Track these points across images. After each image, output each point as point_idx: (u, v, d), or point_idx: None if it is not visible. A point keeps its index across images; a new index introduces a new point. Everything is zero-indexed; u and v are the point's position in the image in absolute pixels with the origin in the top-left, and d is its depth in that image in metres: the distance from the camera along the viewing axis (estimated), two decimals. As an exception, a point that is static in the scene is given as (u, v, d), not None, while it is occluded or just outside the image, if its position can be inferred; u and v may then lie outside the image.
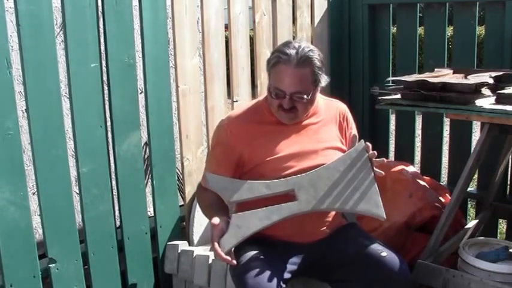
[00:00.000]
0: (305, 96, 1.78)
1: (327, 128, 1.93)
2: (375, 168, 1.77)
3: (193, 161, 2.46)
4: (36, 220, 2.32)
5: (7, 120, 1.84)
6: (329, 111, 1.97)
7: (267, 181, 1.77)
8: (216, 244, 1.65)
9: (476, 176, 2.76)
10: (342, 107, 2.02)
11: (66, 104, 2.09)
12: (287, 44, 1.81)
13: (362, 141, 1.78)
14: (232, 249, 1.71)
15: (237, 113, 1.95)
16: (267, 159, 1.83)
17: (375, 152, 1.77)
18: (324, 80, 1.82)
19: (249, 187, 1.77)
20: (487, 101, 2.03)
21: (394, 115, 3.25)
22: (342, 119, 1.98)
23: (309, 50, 1.77)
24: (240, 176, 1.89)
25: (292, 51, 1.75)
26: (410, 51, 2.94)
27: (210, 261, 2.21)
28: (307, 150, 1.85)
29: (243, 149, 1.85)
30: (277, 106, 1.82)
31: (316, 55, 1.78)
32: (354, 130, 2.00)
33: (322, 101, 1.97)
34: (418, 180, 2.58)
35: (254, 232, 1.70)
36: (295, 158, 1.83)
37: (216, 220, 1.68)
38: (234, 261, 1.69)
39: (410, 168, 2.67)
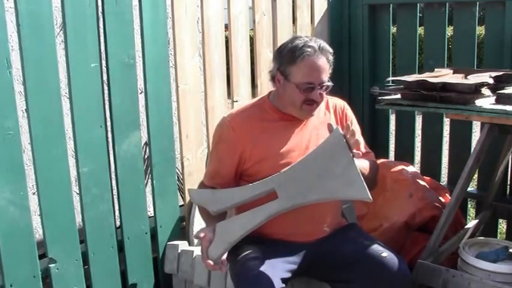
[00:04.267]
0: (329, 84, 1.82)
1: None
2: (354, 151, 1.70)
3: (193, 161, 2.46)
4: (36, 220, 2.32)
5: (7, 120, 1.84)
6: (328, 108, 1.98)
7: (247, 185, 1.78)
8: (205, 255, 1.70)
9: (476, 176, 2.76)
10: (340, 103, 2.02)
11: (66, 104, 2.09)
12: (297, 39, 1.83)
13: (337, 127, 1.73)
14: (224, 256, 1.72)
15: (239, 110, 1.94)
16: (268, 156, 1.83)
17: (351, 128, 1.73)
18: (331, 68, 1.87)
19: (229, 195, 1.78)
20: (487, 101, 2.03)
21: (394, 115, 3.24)
22: (342, 115, 1.99)
23: (319, 40, 1.84)
24: (241, 172, 1.89)
25: (312, 43, 1.80)
26: (410, 51, 2.94)
27: (210, 261, 2.21)
28: (308, 147, 1.85)
29: (245, 146, 1.85)
30: (302, 101, 1.81)
31: (328, 46, 1.85)
32: (354, 125, 2.00)
33: None
34: (418, 180, 2.58)
35: (239, 237, 1.71)
36: (295, 155, 1.83)
37: (201, 233, 1.73)
38: (224, 269, 1.72)
39: (410, 168, 2.67)
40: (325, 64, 1.80)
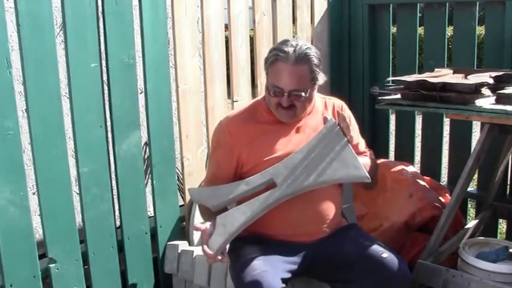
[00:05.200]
0: (303, 94, 1.79)
1: None
2: (348, 136, 1.76)
3: (193, 161, 2.46)
4: (36, 220, 2.32)
5: (7, 120, 1.84)
6: (326, 108, 1.98)
7: (246, 179, 1.79)
8: (205, 246, 1.69)
9: (476, 176, 2.76)
10: (338, 103, 2.02)
11: (66, 104, 2.09)
12: (284, 42, 1.81)
13: (332, 118, 1.79)
14: (227, 247, 1.72)
15: (235, 113, 1.95)
16: (265, 159, 1.83)
17: (345, 115, 1.78)
18: (322, 78, 1.83)
19: (229, 189, 1.79)
20: (487, 101, 2.03)
21: (394, 115, 3.24)
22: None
23: (307, 48, 1.78)
24: (240, 176, 1.90)
25: (290, 49, 1.75)
26: (410, 51, 2.94)
27: (210, 261, 2.21)
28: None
29: (242, 149, 1.86)
30: (275, 104, 1.82)
31: (314, 53, 1.79)
32: (353, 123, 2.00)
33: (319, 100, 1.98)
34: (418, 180, 2.58)
35: (240, 227, 1.72)
36: None
37: (202, 225, 1.73)
38: (226, 259, 1.71)
39: (410, 168, 2.67)
40: (299, 72, 1.75)
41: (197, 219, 2.44)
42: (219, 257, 1.69)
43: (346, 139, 1.75)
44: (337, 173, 1.73)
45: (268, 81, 1.82)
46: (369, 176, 1.72)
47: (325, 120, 1.79)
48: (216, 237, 1.70)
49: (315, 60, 1.78)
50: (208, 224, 1.73)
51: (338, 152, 1.73)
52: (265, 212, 1.75)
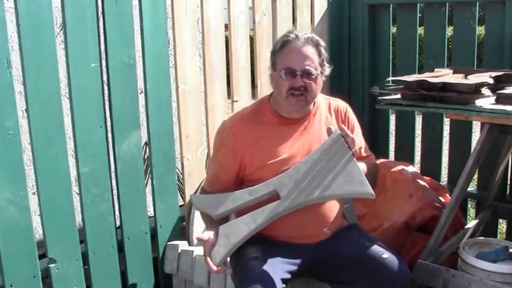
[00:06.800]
0: (314, 72, 1.79)
1: None
2: (353, 150, 1.75)
3: (193, 161, 2.46)
4: (36, 220, 2.32)
5: (7, 120, 1.84)
6: (330, 111, 1.97)
7: (249, 188, 1.78)
8: (208, 258, 1.69)
9: (476, 176, 2.76)
10: (342, 105, 2.01)
11: (66, 104, 2.09)
12: (290, 30, 1.87)
13: (336, 129, 1.77)
14: (228, 258, 1.72)
15: (240, 114, 1.93)
16: (269, 162, 1.82)
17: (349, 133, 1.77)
18: (327, 68, 1.85)
19: (232, 198, 1.78)
20: (487, 101, 2.03)
21: (394, 115, 3.24)
22: (343, 117, 1.97)
23: (313, 35, 1.85)
24: (243, 178, 1.89)
25: (299, 33, 1.82)
26: (410, 51, 2.94)
27: (210, 261, 2.21)
28: (310, 151, 1.84)
29: (245, 151, 1.84)
30: (287, 90, 1.79)
31: (321, 41, 1.85)
32: (356, 127, 2.00)
33: (323, 101, 1.97)
34: (418, 180, 2.58)
35: (243, 238, 1.71)
36: (297, 159, 1.82)
37: (204, 235, 1.72)
38: (228, 270, 1.72)
39: (410, 168, 2.67)
40: (310, 52, 1.80)
41: (197, 219, 2.44)
42: (220, 268, 1.70)
43: (351, 153, 1.73)
44: (343, 188, 1.72)
45: (279, 67, 1.81)
46: (373, 193, 1.71)
47: (329, 131, 1.77)
48: (219, 248, 1.69)
49: (322, 44, 1.84)
50: (210, 234, 1.73)
51: (343, 166, 1.72)
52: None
